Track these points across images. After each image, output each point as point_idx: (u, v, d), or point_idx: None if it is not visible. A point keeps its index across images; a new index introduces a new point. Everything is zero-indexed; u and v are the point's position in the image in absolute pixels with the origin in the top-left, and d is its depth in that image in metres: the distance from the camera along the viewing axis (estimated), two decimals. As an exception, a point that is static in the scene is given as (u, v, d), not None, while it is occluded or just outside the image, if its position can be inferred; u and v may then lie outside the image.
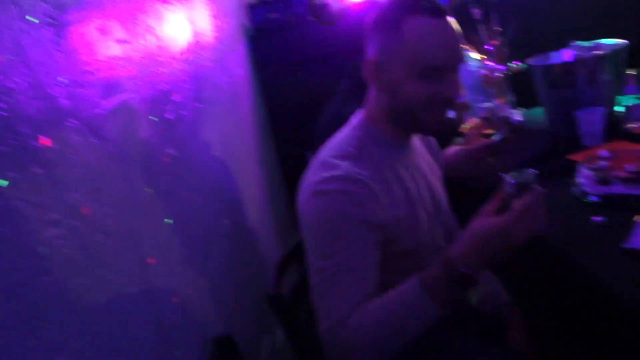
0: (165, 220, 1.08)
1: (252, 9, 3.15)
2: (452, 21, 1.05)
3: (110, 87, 0.91)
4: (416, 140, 1.26)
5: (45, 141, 0.70)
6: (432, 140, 1.38)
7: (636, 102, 1.76)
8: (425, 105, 1.04)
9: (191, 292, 1.14)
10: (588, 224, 1.25)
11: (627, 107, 1.78)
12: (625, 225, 1.18)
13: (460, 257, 0.92)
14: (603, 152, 1.46)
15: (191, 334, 1.09)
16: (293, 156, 2.89)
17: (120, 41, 0.99)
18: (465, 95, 2.31)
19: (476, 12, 2.24)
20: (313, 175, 1.06)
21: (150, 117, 1.10)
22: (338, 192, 1.00)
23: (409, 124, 1.12)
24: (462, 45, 1.06)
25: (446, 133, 1.92)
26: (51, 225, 0.71)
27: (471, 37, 2.22)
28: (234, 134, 1.86)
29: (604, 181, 1.34)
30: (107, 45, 0.94)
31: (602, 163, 1.39)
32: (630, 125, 1.77)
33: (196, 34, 1.61)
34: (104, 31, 0.93)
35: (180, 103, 1.30)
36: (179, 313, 1.06)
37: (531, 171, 1.00)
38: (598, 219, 1.25)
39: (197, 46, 1.59)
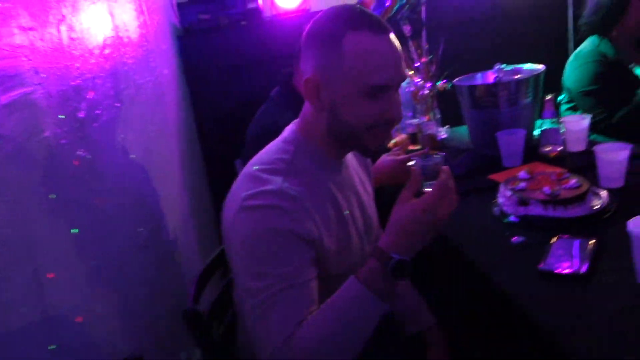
0: (71, 230, 0.98)
1: (181, 8, 3.04)
2: (393, 37, 1.01)
3: (9, 78, 0.81)
4: (350, 156, 1.24)
5: None
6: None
7: (551, 126, 1.85)
8: (369, 126, 1.00)
9: (99, 310, 1.04)
10: (508, 244, 1.28)
11: (543, 131, 1.86)
12: (542, 247, 1.21)
13: (391, 245, 0.93)
14: (522, 173, 1.50)
15: (98, 357, 0.99)
16: (220, 164, 2.81)
17: (25, 28, 0.89)
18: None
19: (406, 29, 2.27)
20: (242, 189, 0.99)
21: (58, 114, 1.00)
22: (269, 207, 0.95)
23: (349, 145, 1.08)
24: (403, 61, 1.02)
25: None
26: None
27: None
28: (156, 137, 1.75)
29: (523, 202, 1.37)
30: (8, 31, 0.84)
31: (522, 184, 1.43)
32: (545, 149, 1.86)
33: (117, 28, 1.51)
34: (5, 15, 0.83)
35: (94, 101, 1.20)
36: (84, 334, 0.96)
37: (438, 154, 1.08)
38: (517, 240, 1.28)
39: (117, 41, 1.49)
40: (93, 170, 1.12)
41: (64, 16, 1.10)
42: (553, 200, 1.33)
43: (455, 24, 2.92)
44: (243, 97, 2.84)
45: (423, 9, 2.23)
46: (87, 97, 1.16)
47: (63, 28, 1.09)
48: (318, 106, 1.02)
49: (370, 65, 0.96)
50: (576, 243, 1.19)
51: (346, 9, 1.00)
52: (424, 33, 2.26)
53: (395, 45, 1.00)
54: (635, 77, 2.14)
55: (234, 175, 1.10)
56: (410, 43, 2.23)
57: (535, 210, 1.35)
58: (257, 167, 1.03)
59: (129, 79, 1.54)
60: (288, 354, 0.89)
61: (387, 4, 2.13)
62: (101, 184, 1.16)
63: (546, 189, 1.37)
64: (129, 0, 1.77)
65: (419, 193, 0.97)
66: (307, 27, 1.03)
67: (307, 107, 1.08)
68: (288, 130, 1.11)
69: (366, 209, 1.22)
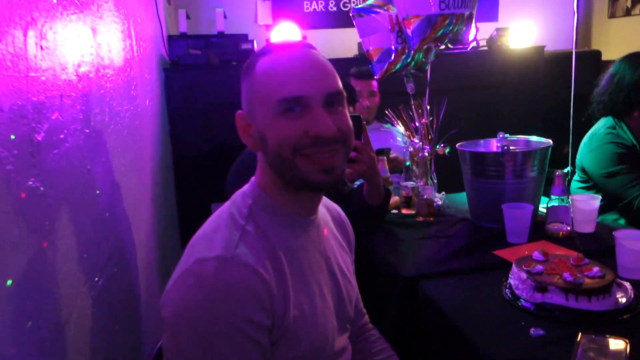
0: (7, 282, 0.76)
1: (171, 40, 2.91)
2: (309, 53, 0.92)
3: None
4: (326, 219, 1.08)
5: None
6: (347, 221, 1.20)
7: (559, 203, 1.71)
8: (296, 149, 0.88)
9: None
10: (527, 337, 1.10)
11: (550, 208, 1.73)
12: (565, 343, 1.04)
13: None
14: (536, 254, 1.34)
15: None
16: (194, 207, 2.60)
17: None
18: (388, 170, 2.19)
19: (409, 86, 2.16)
20: (185, 255, 0.86)
21: (8, 134, 0.80)
22: (214, 281, 0.80)
23: (291, 178, 0.91)
24: (328, 74, 0.91)
25: (376, 212, 1.76)
26: None
27: (401, 111, 2.13)
28: (127, 173, 1.55)
29: (540, 288, 1.21)
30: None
31: (538, 267, 1.26)
32: (551, 227, 1.72)
33: (98, 46, 1.34)
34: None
35: (59, 123, 1.01)
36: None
37: None
38: (537, 332, 1.10)
39: (96, 60, 1.31)
40: (44, 205, 0.91)
41: (33, 20, 0.92)
42: (576, 289, 1.17)
43: (451, 89, 2.85)
44: (225, 139, 2.68)
45: (429, 67, 2.13)
46: (50, 117, 0.96)
47: (31, 33, 0.90)
48: (251, 144, 0.95)
49: (278, 79, 0.88)
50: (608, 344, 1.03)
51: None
52: (427, 93, 2.15)
53: (307, 55, 0.92)
54: None
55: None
56: (412, 102, 2.12)
57: (555, 298, 1.18)
58: (210, 225, 0.91)
59: (104, 104, 1.35)
60: None
61: (392, 58, 2.02)
62: (53, 223, 0.95)
63: (567, 275, 1.21)
64: (117, 20, 1.61)
65: None
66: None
67: (258, 159, 0.98)
68: (248, 184, 0.99)
69: (339, 281, 1.04)
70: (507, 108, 2.97)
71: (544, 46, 3.17)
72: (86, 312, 1.09)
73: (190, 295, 0.80)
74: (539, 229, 1.73)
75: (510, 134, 2.00)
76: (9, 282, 0.77)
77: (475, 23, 3.11)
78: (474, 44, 3.17)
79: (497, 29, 3.19)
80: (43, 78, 0.94)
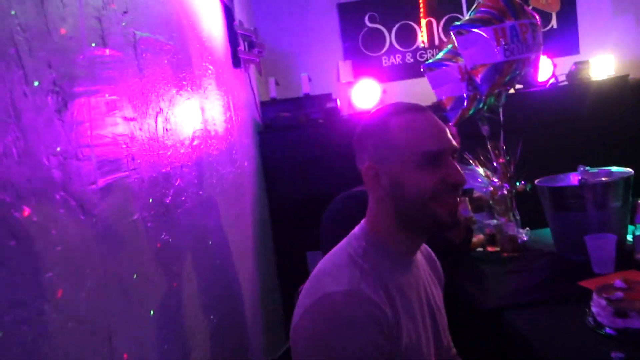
0: (150, 312, 0.98)
1: (264, 106, 3.23)
2: (434, 116, 1.07)
3: (108, 164, 0.87)
4: (420, 258, 1.20)
5: (26, 212, 0.63)
6: (436, 260, 1.31)
7: (645, 232, 1.71)
8: (433, 194, 1.01)
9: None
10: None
11: (636, 237, 1.73)
12: (647, 366, 1.08)
13: None
14: (618, 282, 1.38)
15: None
16: (290, 255, 2.82)
17: (127, 119, 0.96)
18: (470, 210, 2.28)
19: (484, 129, 2.26)
20: (311, 290, 0.99)
21: (147, 199, 1.04)
22: (344, 312, 0.92)
23: (422, 223, 1.04)
24: (450, 134, 1.05)
25: (458, 249, 1.87)
26: (15, 305, 0.63)
27: (478, 153, 2.23)
28: (233, 226, 1.79)
29: (621, 314, 1.25)
30: (112, 120, 0.91)
31: (618, 294, 1.30)
32: (639, 256, 1.71)
33: (206, 121, 1.61)
34: (112, 106, 0.91)
35: (181, 188, 1.25)
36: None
37: None
38: (618, 355, 1.15)
39: (205, 134, 1.58)
40: (174, 254, 1.15)
41: (161, 109, 1.18)
42: (656, 314, 1.20)
43: (533, 126, 2.89)
44: (316, 191, 2.90)
45: (501, 110, 2.23)
46: (175, 184, 1.21)
47: (160, 120, 1.17)
48: (380, 193, 1.05)
49: (418, 135, 1.01)
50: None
51: (387, 105, 1.10)
52: (501, 134, 2.24)
53: (435, 118, 1.06)
54: None
55: (303, 267, 1.10)
56: (488, 144, 2.21)
57: (636, 323, 1.22)
58: (328, 264, 1.03)
59: (212, 169, 1.61)
60: None
61: (465, 104, 2.15)
62: (179, 268, 1.18)
63: (647, 300, 1.24)
64: (219, 97, 1.90)
65: None
66: (357, 131, 1.11)
67: (371, 201, 1.09)
68: (357, 227, 1.11)
69: (435, 314, 1.16)
70: (589, 141, 2.94)
71: (627, 75, 3.12)
72: (205, 346, 1.30)
73: (322, 325, 0.91)
74: (627, 258, 1.73)
75: (593, 166, 2.01)
76: (152, 312, 0.99)
77: (552, 60, 3.17)
78: (552, 80, 3.21)
79: (576, 63, 3.20)
80: (168, 153, 1.19)
